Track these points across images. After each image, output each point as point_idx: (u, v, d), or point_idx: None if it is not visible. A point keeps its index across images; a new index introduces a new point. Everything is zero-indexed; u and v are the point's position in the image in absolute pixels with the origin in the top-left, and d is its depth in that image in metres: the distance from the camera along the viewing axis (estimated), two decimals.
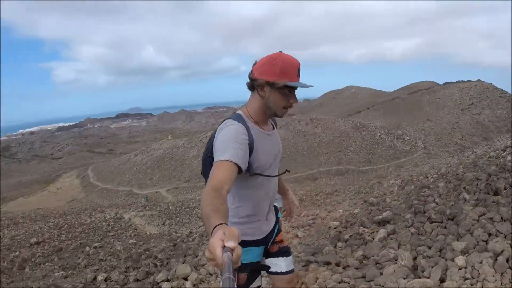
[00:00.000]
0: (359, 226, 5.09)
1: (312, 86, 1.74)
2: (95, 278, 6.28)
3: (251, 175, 1.72)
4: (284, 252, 2.05)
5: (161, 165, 57.19)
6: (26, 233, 15.18)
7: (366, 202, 8.44)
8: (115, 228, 16.47)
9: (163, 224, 17.02)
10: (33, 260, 9.12)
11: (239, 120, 1.70)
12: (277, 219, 2.07)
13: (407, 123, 56.20)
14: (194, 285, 4.57)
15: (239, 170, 1.53)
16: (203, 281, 4.62)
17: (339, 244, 4.49)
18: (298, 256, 5.13)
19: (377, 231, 4.42)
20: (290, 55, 1.69)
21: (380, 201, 7.36)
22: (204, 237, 9.07)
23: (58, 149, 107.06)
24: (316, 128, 49.07)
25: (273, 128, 1.93)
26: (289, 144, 45.26)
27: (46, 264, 8.56)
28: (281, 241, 2.08)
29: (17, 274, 7.62)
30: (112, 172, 55.90)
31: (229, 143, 1.55)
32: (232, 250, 0.92)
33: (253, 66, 1.75)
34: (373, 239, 4.23)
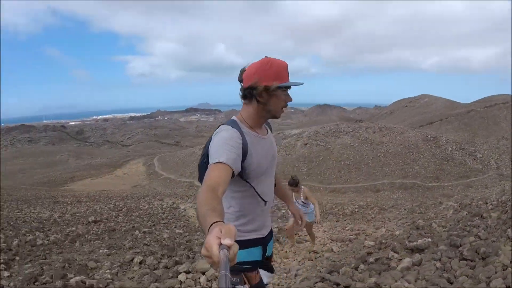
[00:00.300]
0: (391, 250, 4.78)
1: (302, 83, 1.79)
2: (132, 260, 6.66)
3: (244, 179, 1.75)
4: (271, 267, 2.08)
5: None
6: (87, 211, 16.39)
7: (413, 223, 7.89)
8: (169, 217, 17.27)
9: None
10: (86, 236, 9.85)
11: (233, 125, 1.76)
12: (271, 232, 2.06)
13: (481, 139, 51.54)
14: (208, 281, 4.67)
15: (233, 173, 1.55)
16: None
17: (362, 266, 4.24)
18: (320, 271, 4.98)
19: (404, 259, 4.12)
20: (277, 58, 1.76)
21: (426, 225, 6.82)
22: None
23: (129, 137, 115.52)
24: (384, 137, 46.89)
25: (268, 132, 1.97)
26: (354, 151, 43.79)
27: (96, 241, 9.24)
28: (271, 257, 2.15)
29: (67, 246, 8.34)
30: (176, 163, 58.51)
31: (223, 147, 1.59)
32: (228, 247, 0.92)
33: (242, 75, 1.81)
34: (397, 267, 3.94)
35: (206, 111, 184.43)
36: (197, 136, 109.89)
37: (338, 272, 4.10)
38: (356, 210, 15.18)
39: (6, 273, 4.95)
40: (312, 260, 6.12)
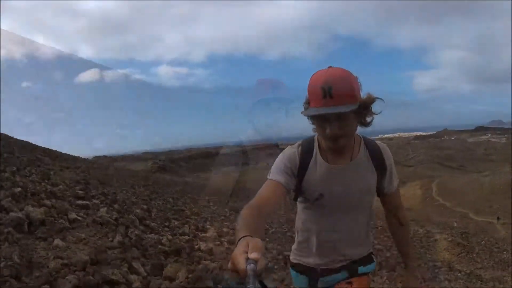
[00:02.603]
0: None
1: (337, 111, 1.34)
2: None
3: (294, 199, 1.72)
4: None
5: (507, 191, 52.00)
6: None
7: None
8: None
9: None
10: None
11: (304, 143, 1.63)
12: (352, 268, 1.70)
13: None
14: None
15: (289, 191, 1.56)
16: None
17: None
18: None
19: None
20: (321, 72, 1.41)
21: None
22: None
23: (411, 157, 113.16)
24: None
25: (351, 160, 1.57)
26: None
27: None
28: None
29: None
30: (455, 190, 55.56)
31: (278, 164, 1.56)
32: (256, 261, 0.85)
33: None
34: None
35: (498, 130, 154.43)
36: (484, 160, 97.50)
37: None
38: None
39: None
40: None
